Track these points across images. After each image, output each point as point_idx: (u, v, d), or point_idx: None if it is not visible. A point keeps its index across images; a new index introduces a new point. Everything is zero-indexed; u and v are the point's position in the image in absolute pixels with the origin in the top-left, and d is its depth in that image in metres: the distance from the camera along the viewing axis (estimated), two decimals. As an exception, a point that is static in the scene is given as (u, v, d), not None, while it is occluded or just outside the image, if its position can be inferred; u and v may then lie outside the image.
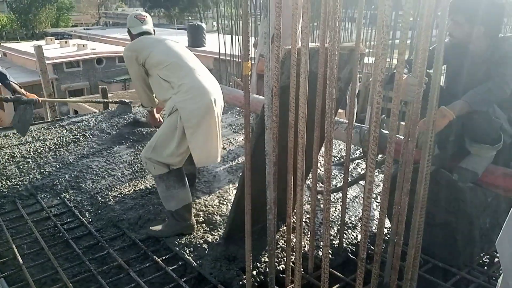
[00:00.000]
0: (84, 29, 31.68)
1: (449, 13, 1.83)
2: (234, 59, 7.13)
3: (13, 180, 3.20)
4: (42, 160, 3.56)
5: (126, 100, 4.89)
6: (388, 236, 1.97)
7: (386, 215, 1.73)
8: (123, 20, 34.80)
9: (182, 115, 2.36)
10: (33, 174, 3.30)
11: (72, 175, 3.29)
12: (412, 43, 4.77)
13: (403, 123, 2.39)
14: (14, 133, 4.15)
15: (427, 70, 1.74)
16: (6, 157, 3.60)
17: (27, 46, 19.02)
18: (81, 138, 4.06)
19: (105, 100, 6.13)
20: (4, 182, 3.16)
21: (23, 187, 3.11)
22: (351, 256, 2.34)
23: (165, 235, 2.47)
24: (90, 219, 2.72)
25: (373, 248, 2.26)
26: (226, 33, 7.37)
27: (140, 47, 2.62)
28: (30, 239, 2.50)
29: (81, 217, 2.72)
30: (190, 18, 37.53)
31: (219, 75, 7.57)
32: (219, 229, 2.57)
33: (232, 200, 2.85)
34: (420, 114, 1.62)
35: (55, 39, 21.62)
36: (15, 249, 2.34)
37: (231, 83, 6.99)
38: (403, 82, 1.58)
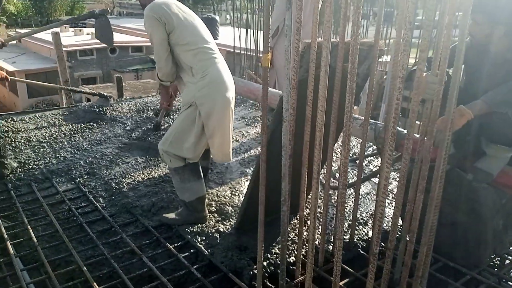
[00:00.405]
0: (99, 18, 31.72)
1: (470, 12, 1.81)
2: (248, 53, 7.14)
3: (29, 164, 3.26)
4: (57, 145, 3.62)
5: (105, 94, 5.00)
6: (399, 233, 1.98)
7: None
8: (137, 10, 34.80)
9: (201, 112, 2.36)
10: (48, 159, 3.36)
11: (87, 161, 3.34)
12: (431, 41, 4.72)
13: (417, 122, 2.38)
14: (30, 117, 4.22)
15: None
16: (22, 141, 3.66)
17: (42, 33, 19.17)
18: (95, 125, 4.11)
19: (83, 91, 6.56)
20: (20, 165, 3.22)
21: (39, 170, 3.17)
22: (362, 252, 2.35)
23: (177, 223, 2.51)
24: (104, 205, 2.76)
25: (383, 244, 2.26)
26: (240, 27, 7.38)
27: (165, 12, 2.36)
28: (45, 222, 2.56)
29: (95, 202, 2.76)
30: (203, 10, 37.44)
31: (233, 68, 7.58)
32: (230, 219, 2.60)
33: (244, 192, 2.87)
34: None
35: (70, 27, 21.74)
36: (31, 231, 2.39)
37: (244, 76, 7.00)
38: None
